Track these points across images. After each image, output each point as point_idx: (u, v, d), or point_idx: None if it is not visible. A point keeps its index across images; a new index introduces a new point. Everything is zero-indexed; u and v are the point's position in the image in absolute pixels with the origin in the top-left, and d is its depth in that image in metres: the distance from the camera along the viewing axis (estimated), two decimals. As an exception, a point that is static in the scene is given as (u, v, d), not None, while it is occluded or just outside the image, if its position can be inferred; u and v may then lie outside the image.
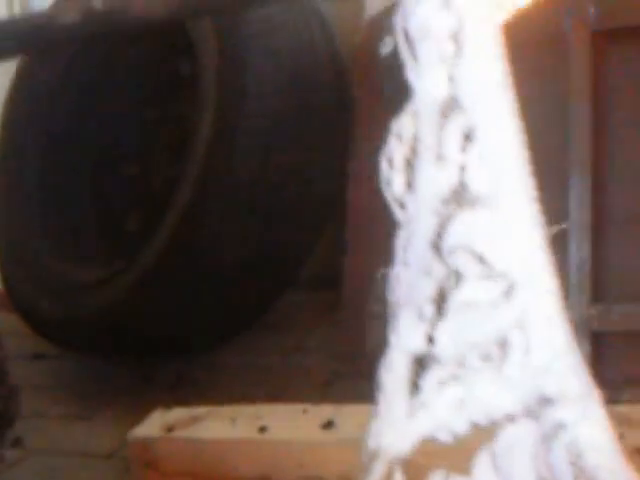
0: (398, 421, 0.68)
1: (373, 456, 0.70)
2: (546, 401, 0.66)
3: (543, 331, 0.68)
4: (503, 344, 0.68)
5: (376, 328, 1.88)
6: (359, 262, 2.08)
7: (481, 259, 0.69)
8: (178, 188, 1.98)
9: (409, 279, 0.70)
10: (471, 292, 0.68)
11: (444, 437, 0.68)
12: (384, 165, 0.72)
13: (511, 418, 0.66)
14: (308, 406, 1.44)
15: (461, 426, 0.67)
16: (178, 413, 1.45)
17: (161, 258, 1.96)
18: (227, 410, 1.45)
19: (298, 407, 1.44)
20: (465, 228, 0.69)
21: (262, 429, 1.36)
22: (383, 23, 1.81)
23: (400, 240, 0.71)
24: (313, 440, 1.33)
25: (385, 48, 2.16)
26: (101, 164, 2.51)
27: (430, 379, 0.68)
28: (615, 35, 1.75)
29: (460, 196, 0.70)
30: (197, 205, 1.95)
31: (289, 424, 1.38)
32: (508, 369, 0.67)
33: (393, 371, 0.70)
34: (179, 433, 1.38)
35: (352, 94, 2.16)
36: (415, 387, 0.69)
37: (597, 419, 0.66)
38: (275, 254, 2.12)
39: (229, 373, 2.00)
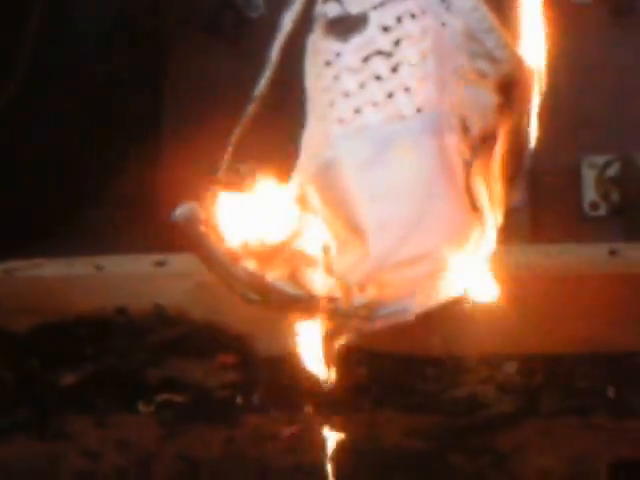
0: None
1: None
2: None
3: None
4: None
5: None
6: (175, 176, 2.18)
7: None
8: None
9: None
10: None
11: None
12: None
13: None
14: (140, 255, 1.56)
15: None
16: (16, 261, 1.53)
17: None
18: (64, 259, 1.54)
19: (131, 255, 1.55)
20: None
21: (98, 267, 1.47)
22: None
23: None
24: (147, 274, 1.45)
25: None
26: None
27: None
28: None
29: None
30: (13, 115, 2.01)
31: (124, 263, 1.49)
32: None
33: None
34: (18, 273, 1.47)
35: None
36: None
37: None
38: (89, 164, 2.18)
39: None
